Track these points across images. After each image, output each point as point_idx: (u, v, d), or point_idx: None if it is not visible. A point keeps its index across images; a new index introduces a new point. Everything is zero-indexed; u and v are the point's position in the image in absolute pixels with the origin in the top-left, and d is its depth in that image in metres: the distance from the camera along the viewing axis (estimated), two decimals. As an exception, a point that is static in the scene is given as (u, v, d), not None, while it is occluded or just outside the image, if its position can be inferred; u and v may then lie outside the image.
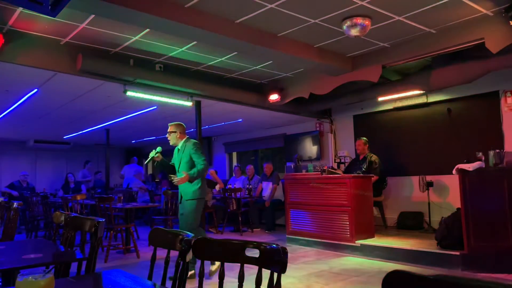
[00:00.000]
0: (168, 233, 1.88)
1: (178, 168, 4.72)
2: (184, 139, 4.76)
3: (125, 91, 5.76)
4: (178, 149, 4.80)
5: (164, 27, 4.30)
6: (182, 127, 4.80)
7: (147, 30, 4.73)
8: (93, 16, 4.33)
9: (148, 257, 5.57)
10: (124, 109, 7.58)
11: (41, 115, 8.12)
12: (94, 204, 6.96)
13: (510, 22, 4.25)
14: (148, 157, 4.69)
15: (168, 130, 4.79)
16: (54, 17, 3.92)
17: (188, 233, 1.79)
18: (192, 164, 4.62)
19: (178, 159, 4.74)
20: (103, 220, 2.29)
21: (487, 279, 0.87)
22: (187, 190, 4.59)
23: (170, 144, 4.84)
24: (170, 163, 4.89)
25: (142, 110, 7.70)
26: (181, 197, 4.69)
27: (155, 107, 7.39)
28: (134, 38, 5.05)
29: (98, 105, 7.26)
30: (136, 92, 5.88)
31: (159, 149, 4.70)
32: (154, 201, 9.62)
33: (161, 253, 1.75)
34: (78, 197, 6.84)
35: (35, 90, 6.15)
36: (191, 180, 4.49)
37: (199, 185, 4.60)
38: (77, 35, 4.89)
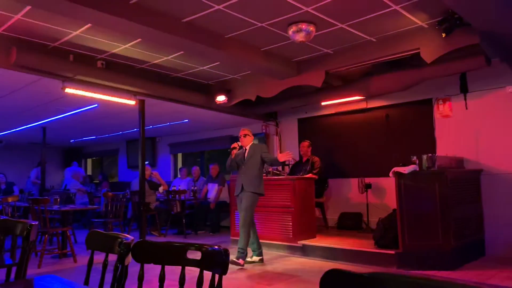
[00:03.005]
0: (106, 236, 1.83)
1: (244, 165, 5.30)
2: (251, 142, 5.43)
3: (64, 88, 5.50)
4: (246, 150, 5.36)
5: (106, 23, 4.15)
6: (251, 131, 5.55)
7: (89, 25, 4.54)
8: (29, 7, 4.09)
9: (86, 262, 5.34)
10: (63, 106, 7.23)
11: (-31, 111, 7.54)
12: (28, 206, 6.57)
13: (443, 34, 4.55)
14: (232, 148, 5.36)
15: (244, 133, 5.39)
16: (-15, 6, 3.67)
17: (128, 236, 1.74)
18: (257, 163, 5.25)
19: (245, 158, 5.32)
20: (37, 223, 2.17)
21: (413, 275, 0.92)
22: (253, 183, 5.18)
23: (241, 144, 5.38)
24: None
25: (82, 108, 7.38)
26: (242, 189, 5.22)
27: (96, 105, 7.10)
28: (75, 33, 4.83)
29: (34, 101, 6.85)
30: (76, 89, 5.63)
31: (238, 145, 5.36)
32: (93, 203, 9.22)
33: (100, 257, 1.69)
34: (10, 199, 6.42)
35: (-38, 83, 5.70)
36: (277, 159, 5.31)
37: (260, 180, 5.27)
38: (11, 26, 4.59)
